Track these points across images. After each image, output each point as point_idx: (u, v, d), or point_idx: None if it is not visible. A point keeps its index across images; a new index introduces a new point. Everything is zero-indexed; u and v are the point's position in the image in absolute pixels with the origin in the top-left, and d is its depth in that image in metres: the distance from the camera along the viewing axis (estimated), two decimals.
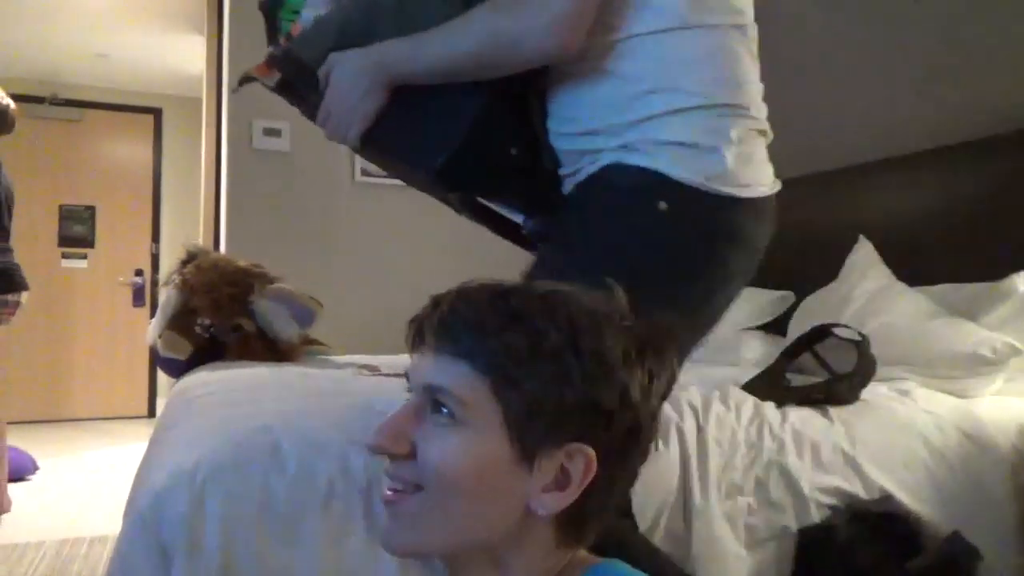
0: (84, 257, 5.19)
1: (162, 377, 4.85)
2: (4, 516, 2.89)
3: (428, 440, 0.61)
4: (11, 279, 2.86)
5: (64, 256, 5.17)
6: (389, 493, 0.63)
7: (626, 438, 0.63)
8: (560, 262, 0.97)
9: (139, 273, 5.22)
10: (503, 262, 3.53)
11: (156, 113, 5.37)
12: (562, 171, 1.06)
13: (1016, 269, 1.89)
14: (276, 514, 1.09)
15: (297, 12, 1.07)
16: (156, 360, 2.45)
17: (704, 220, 0.94)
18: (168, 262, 3.51)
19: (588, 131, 0.98)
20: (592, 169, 1.00)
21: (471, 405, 0.60)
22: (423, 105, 0.99)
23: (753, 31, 1.03)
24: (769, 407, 1.50)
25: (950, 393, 1.72)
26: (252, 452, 1.14)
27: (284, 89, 1.07)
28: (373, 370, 1.95)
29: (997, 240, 2.07)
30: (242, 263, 2.46)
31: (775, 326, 2.49)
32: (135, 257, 5.27)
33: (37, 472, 3.63)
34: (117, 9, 3.81)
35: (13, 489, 3.17)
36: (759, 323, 2.54)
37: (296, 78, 1.05)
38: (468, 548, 0.62)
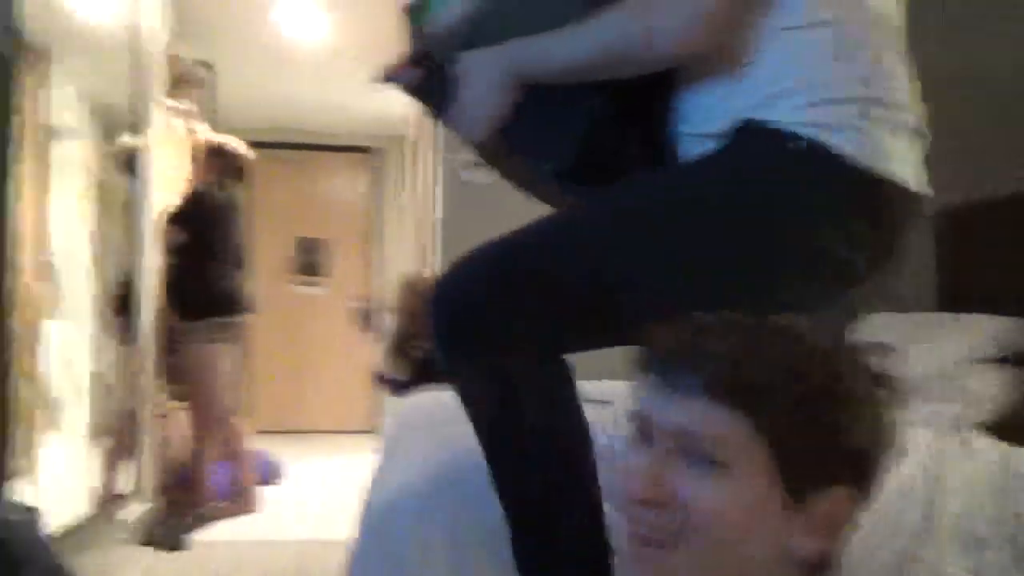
0: (318, 284, 5.79)
1: (384, 396, 5.25)
2: (258, 516, 3.27)
3: (693, 488, 0.58)
4: (232, 301, 3.24)
5: (301, 284, 5.79)
6: (643, 542, 0.60)
7: (871, 476, 0.61)
8: (653, 186, 0.96)
9: (364, 299, 5.72)
10: None
11: (376, 152, 5.90)
12: None
13: None
14: (500, 534, 1.15)
15: (435, 13, 1.09)
16: (379, 380, 2.69)
17: (829, 178, 0.87)
18: (389, 289, 3.82)
19: (717, 133, 0.93)
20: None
21: (736, 450, 0.57)
22: (550, 103, 0.99)
23: (899, 23, 0.96)
24: (1021, 452, 1.34)
25: None
26: (477, 472, 1.21)
27: (417, 89, 1.10)
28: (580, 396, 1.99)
29: None
30: None
31: (1017, 359, 2.21)
32: (361, 285, 5.78)
33: (284, 478, 4.07)
34: (336, 59, 4.23)
35: (264, 492, 3.58)
36: (995, 355, 2.26)
37: (431, 78, 1.07)
38: None
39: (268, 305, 5.68)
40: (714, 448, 0.58)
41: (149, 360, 2.92)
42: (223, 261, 3.22)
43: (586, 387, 1.95)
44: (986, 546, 1.19)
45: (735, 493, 0.57)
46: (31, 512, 1.73)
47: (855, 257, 0.90)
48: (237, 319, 3.22)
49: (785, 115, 0.88)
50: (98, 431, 2.97)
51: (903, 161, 0.90)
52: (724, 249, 0.89)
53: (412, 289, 3.03)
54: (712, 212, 0.90)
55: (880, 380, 0.62)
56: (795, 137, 0.86)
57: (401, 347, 2.67)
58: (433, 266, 3.48)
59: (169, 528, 2.85)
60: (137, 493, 2.81)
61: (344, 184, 5.92)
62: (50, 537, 1.76)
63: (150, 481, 2.99)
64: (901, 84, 0.93)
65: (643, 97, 1.01)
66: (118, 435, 2.86)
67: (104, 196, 2.90)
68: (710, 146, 0.93)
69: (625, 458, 0.63)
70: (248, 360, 3.42)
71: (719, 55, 0.91)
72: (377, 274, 5.83)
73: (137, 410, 2.78)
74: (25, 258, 2.16)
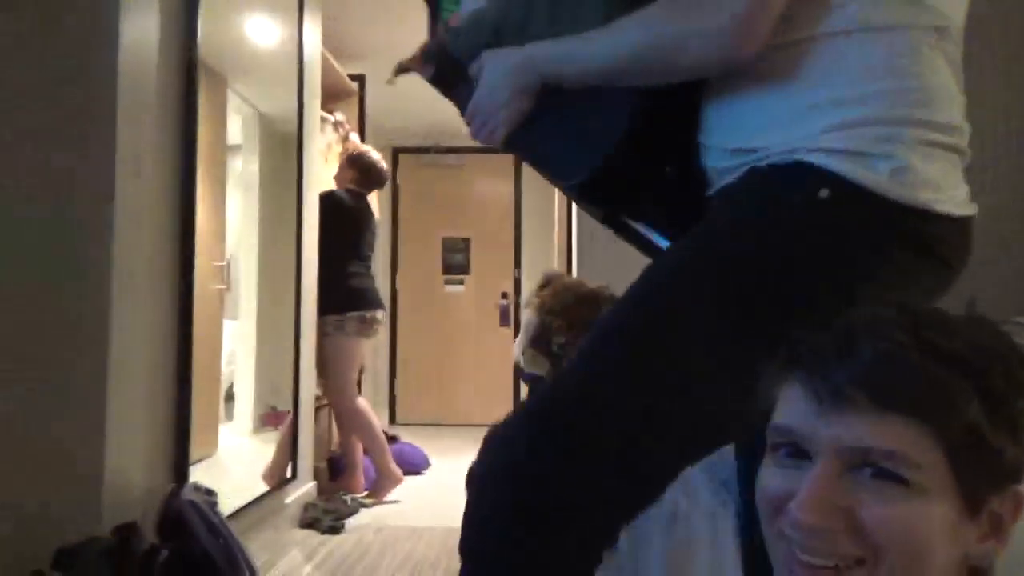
0: (462, 283, 5.98)
1: (523, 389, 5.34)
2: (404, 505, 3.45)
3: (874, 511, 0.53)
4: (365, 298, 3.41)
5: (447, 283, 6.00)
6: (810, 571, 0.55)
7: None
8: (694, 249, 0.85)
9: (504, 296, 5.84)
10: None
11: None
12: (709, 192, 0.92)
13: None
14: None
15: (457, 3, 1.04)
16: (520, 375, 2.74)
17: (870, 221, 0.78)
18: (528, 286, 3.90)
19: (748, 148, 0.84)
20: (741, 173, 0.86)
21: (925, 467, 0.53)
22: (573, 111, 0.91)
23: (957, 33, 0.85)
24: None
25: None
26: None
27: (438, 82, 1.04)
28: None
29: None
30: (592, 285, 2.63)
31: None
32: (501, 282, 5.91)
33: (429, 468, 4.25)
34: None
35: (410, 480, 3.76)
36: None
37: (449, 72, 1.02)
38: None
39: (417, 303, 5.96)
40: (896, 464, 0.53)
41: (308, 354, 3.14)
42: (354, 259, 3.41)
43: None
44: None
45: (921, 510, 0.53)
46: (211, 494, 1.93)
47: (907, 295, 0.81)
48: (367, 314, 3.40)
49: (813, 140, 0.79)
50: (264, 422, 3.24)
51: (942, 187, 0.80)
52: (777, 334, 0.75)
53: (551, 286, 3.06)
54: (750, 305, 0.79)
55: None
56: (822, 177, 0.78)
57: (539, 343, 2.71)
58: (570, 264, 3.51)
59: (327, 513, 3.06)
60: (298, 480, 3.03)
61: (487, 186, 6.07)
62: (225, 517, 1.94)
63: (309, 469, 3.22)
64: (952, 100, 0.84)
65: (671, 108, 0.91)
66: (282, 425, 3.10)
67: (269, 204, 3.15)
68: (738, 160, 0.85)
69: (773, 480, 0.58)
70: (395, 356, 3.58)
71: (755, 63, 0.81)
72: (517, 272, 5.93)
73: (296, 401, 3.00)
74: (206, 263, 2.39)
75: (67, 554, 1.50)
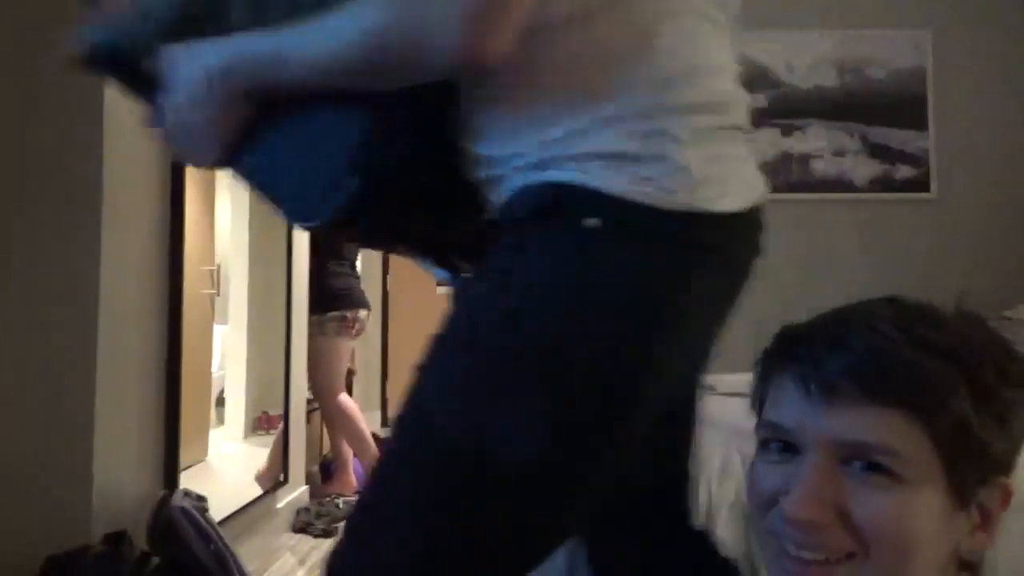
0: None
1: None
2: None
3: (866, 504, 0.53)
4: (349, 298, 3.40)
5: (439, 284, 6.00)
6: (802, 565, 0.55)
7: (1016, 462, 0.57)
8: (469, 316, 0.72)
9: None
10: (845, 273, 3.25)
11: None
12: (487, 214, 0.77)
13: None
14: None
15: None
16: None
17: (651, 239, 0.66)
18: None
19: (490, 158, 0.72)
20: (496, 202, 0.73)
21: (914, 461, 0.53)
22: (300, 127, 0.71)
23: None
24: None
25: None
26: None
27: (111, 77, 0.81)
28: (709, 389, 1.94)
29: None
30: None
31: None
32: None
33: None
34: None
35: None
36: None
37: (108, 70, 0.79)
38: None
39: (409, 305, 5.94)
40: (886, 457, 0.53)
41: (299, 357, 3.13)
42: (333, 258, 3.40)
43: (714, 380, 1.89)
44: None
45: (910, 503, 0.53)
46: (201, 500, 1.92)
47: (714, 306, 0.74)
48: (348, 314, 3.39)
49: (568, 146, 0.67)
50: (256, 425, 3.22)
51: (726, 179, 0.71)
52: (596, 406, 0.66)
53: None
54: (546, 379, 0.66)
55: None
56: (583, 198, 0.66)
57: None
58: None
59: (320, 517, 3.04)
60: (290, 484, 3.02)
61: None
62: (216, 523, 1.92)
63: (301, 473, 3.21)
64: (726, 73, 0.74)
65: (426, 116, 0.73)
66: (274, 429, 3.08)
67: (260, 206, 3.14)
68: (482, 173, 0.73)
69: (764, 476, 0.58)
70: (387, 358, 3.55)
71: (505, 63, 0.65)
72: None
73: (287, 405, 2.99)
74: (195, 267, 2.38)
75: (57, 562, 1.49)
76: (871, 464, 0.53)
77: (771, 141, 3.11)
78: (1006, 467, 0.56)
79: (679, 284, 0.68)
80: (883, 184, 3.08)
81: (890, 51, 3.10)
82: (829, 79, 3.11)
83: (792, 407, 0.56)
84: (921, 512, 0.53)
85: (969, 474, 0.54)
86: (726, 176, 0.71)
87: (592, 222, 0.65)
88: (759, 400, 0.61)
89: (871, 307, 0.58)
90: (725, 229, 0.70)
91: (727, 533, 1.14)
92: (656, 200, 0.66)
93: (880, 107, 3.09)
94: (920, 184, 3.08)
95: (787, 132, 3.10)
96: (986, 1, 3.15)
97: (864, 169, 3.09)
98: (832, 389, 0.54)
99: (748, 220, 0.74)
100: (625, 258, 0.67)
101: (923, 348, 0.53)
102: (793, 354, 0.58)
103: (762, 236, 0.78)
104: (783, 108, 3.10)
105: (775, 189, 3.52)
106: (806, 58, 3.12)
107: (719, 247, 0.71)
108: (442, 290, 5.96)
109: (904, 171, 3.08)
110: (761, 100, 3.10)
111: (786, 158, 3.10)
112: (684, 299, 0.69)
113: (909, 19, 3.12)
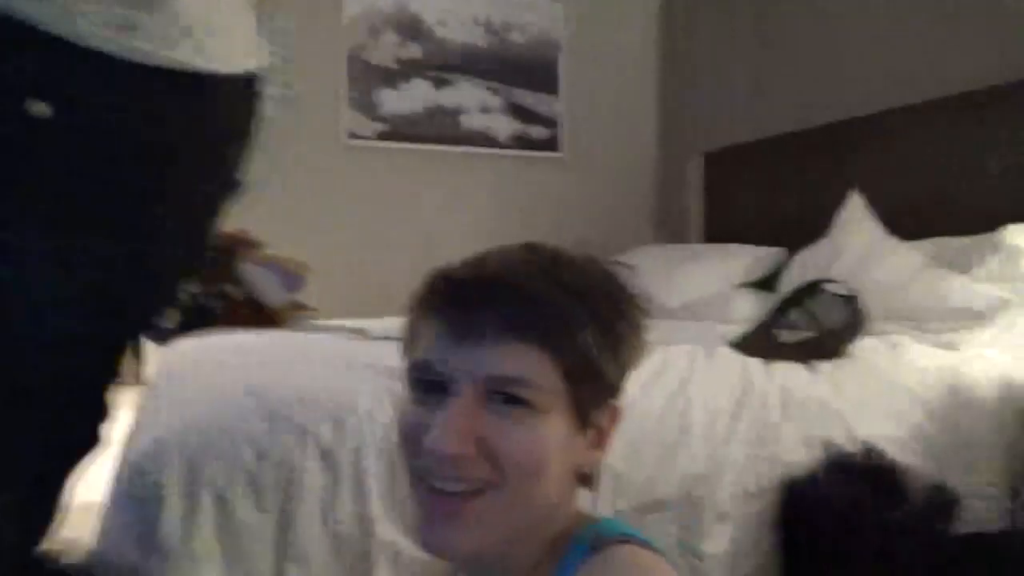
0: None
1: (150, 344, 4.83)
2: None
3: (506, 435, 0.56)
4: None
5: None
6: (446, 498, 0.57)
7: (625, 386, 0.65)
8: None
9: None
10: (487, 222, 3.48)
11: None
12: None
13: (1007, 222, 1.88)
14: (261, 479, 1.09)
15: None
16: None
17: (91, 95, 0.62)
18: None
19: None
20: None
21: (547, 391, 0.57)
22: None
23: None
24: (756, 363, 1.50)
25: (939, 347, 1.73)
26: (241, 416, 1.14)
27: None
28: (362, 334, 1.95)
29: (989, 193, 2.06)
30: (227, 228, 2.44)
31: (768, 283, 2.49)
32: None
33: None
34: None
35: None
36: (751, 280, 2.54)
37: None
38: (525, 531, 0.59)
39: None
40: (531, 393, 0.56)
41: None
42: None
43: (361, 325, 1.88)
44: (727, 445, 1.34)
45: (545, 432, 0.57)
46: None
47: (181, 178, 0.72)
48: None
49: None
50: None
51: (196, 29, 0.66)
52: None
53: None
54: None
55: (637, 298, 0.64)
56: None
57: None
58: None
59: None
60: None
61: None
62: None
63: None
64: None
65: None
66: None
67: None
68: None
69: (412, 415, 0.59)
70: None
71: None
72: None
73: None
74: None
75: None
76: (510, 397, 0.56)
77: (424, 92, 3.18)
78: (617, 391, 0.63)
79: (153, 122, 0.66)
80: (521, 142, 3.35)
81: (529, 17, 3.35)
82: (478, 37, 3.27)
83: (439, 346, 0.58)
84: (550, 437, 0.57)
85: (589, 400, 0.60)
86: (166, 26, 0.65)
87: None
88: (409, 342, 0.62)
89: (511, 252, 0.61)
90: (173, 87, 0.67)
91: (376, 471, 1.15)
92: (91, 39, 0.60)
93: (520, 70, 3.34)
94: (551, 144, 3.41)
95: (439, 85, 3.20)
96: None
97: (505, 127, 3.32)
98: (476, 328, 0.57)
99: (210, 87, 0.71)
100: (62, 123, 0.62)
101: (556, 289, 0.58)
102: (441, 297, 0.60)
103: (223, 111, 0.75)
104: (436, 62, 3.19)
105: (427, 140, 3.58)
106: (459, 15, 3.22)
107: (162, 103, 0.67)
108: None
109: (538, 131, 3.38)
110: (416, 50, 3.14)
111: (438, 110, 3.20)
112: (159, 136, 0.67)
113: None
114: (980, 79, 2.14)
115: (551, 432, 0.58)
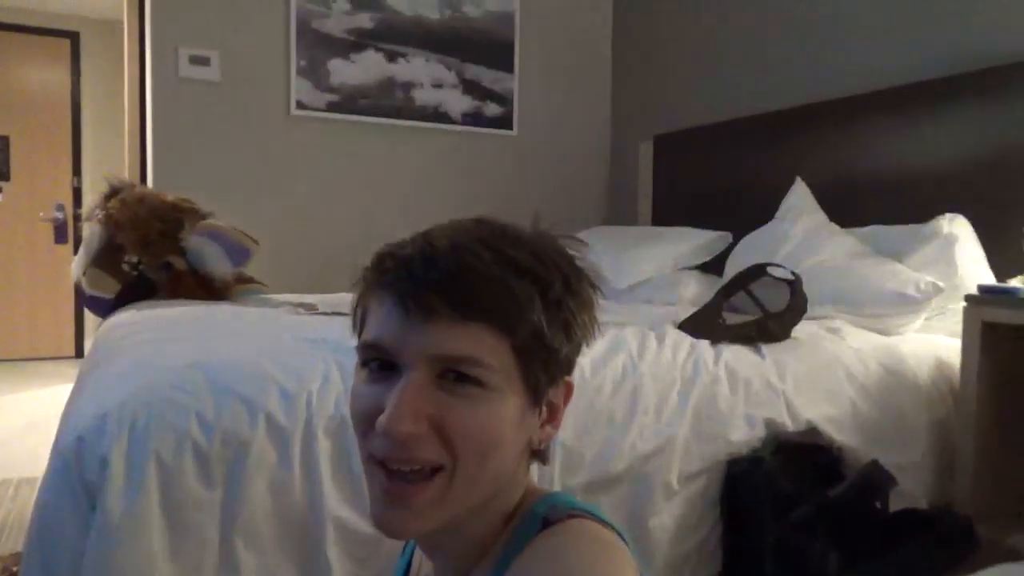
0: (0, 190, 4.91)
1: (90, 316, 4.68)
2: None
3: (457, 414, 0.56)
4: None
5: None
6: (401, 479, 0.56)
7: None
8: None
9: (60, 208, 4.97)
10: (438, 198, 3.46)
11: (73, 37, 5.03)
12: None
13: (943, 211, 1.96)
14: (209, 452, 1.07)
15: None
16: (82, 299, 2.36)
17: None
18: (91, 196, 3.34)
19: None
20: None
21: (498, 369, 0.56)
22: None
23: None
24: (704, 344, 1.54)
25: (876, 331, 1.79)
26: (183, 390, 1.11)
27: None
28: (310, 308, 1.92)
29: (926, 182, 2.14)
30: (171, 198, 2.36)
31: (713, 266, 2.54)
32: (55, 191, 4.99)
33: None
34: None
35: None
36: (697, 263, 2.58)
37: None
38: (478, 508, 0.59)
39: None
40: (482, 372, 0.56)
41: None
42: None
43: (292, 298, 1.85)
44: (673, 426, 1.37)
45: (496, 409, 0.57)
46: None
47: None
48: None
49: None
50: None
51: None
52: None
53: (120, 196, 2.67)
54: None
55: (590, 275, 0.64)
56: None
57: (105, 261, 2.35)
58: (144, 173, 3.10)
59: None
60: None
61: (33, 71, 5.01)
62: None
63: None
64: None
65: None
66: None
67: None
68: None
69: (364, 395, 0.58)
70: None
71: None
72: (76, 180, 5.09)
73: None
74: None
75: None
76: (462, 376, 0.56)
77: (376, 64, 3.12)
78: (569, 367, 0.63)
79: None
80: (474, 119, 3.33)
81: None
82: (431, 10, 3.21)
83: (390, 325, 0.57)
84: (504, 416, 0.57)
85: (541, 376, 0.60)
86: None
87: None
88: (359, 320, 0.61)
89: (460, 227, 0.60)
90: None
91: (326, 446, 1.14)
92: None
93: (475, 46, 3.31)
94: (505, 121, 3.39)
95: (391, 58, 3.14)
96: None
97: (459, 103, 3.29)
98: (427, 306, 0.56)
99: None
100: None
101: (506, 266, 0.57)
102: (390, 274, 0.58)
103: None
104: (387, 33, 3.13)
105: (378, 113, 3.53)
106: None
107: None
108: None
109: (492, 108, 3.36)
110: (366, 21, 3.08)
111: (390, 83, 3.15)
112: None
113: None
114: (919, 72, 2.21)
115: (504, 410, 0.57)
